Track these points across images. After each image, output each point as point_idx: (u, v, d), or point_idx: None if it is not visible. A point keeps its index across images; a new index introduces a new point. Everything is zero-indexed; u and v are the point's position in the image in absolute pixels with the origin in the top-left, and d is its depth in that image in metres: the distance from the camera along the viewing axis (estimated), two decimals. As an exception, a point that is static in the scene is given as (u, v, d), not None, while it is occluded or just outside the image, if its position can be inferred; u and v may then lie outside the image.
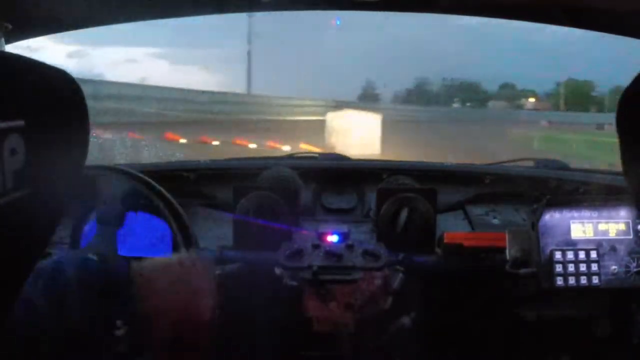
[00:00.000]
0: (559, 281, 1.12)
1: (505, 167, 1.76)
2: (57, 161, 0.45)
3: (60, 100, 0.46)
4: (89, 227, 1.16)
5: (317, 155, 1.86)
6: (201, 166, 1.68)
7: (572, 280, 1.12)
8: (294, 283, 1.14)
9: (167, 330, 0.79)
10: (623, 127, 0.54)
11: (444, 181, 1.58)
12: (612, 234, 1.14)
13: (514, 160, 1.82)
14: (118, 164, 0.97)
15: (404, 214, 1.28)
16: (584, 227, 1.15)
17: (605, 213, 1.15)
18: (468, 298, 1.33)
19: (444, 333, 1.37)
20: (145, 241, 1.16)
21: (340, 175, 1.67)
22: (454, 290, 1.31)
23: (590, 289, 1.12)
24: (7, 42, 0.99)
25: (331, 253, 1.18)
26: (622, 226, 1.15)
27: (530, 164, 1.81)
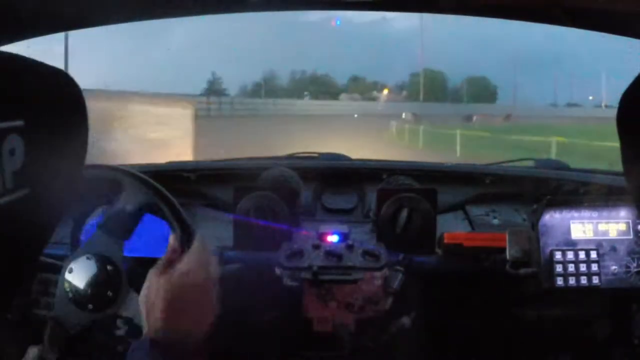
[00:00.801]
0: (559, 281, 1.12)
1: (505, 167, 1.76)
2: (57, 161, 0.45)
3: (59, 100, 0.46)
4: (89, 227, 1.17)
5: (317, 155, 1.85)
6: (201, 166, 1.68)
7: (572, 281, 1.12)
8: (294, 283, 1.14)
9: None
10: (623, 126, 0.54)
11: (444, 181, 1.58)
12: (612, 234, 1.14)
13: (514, 160, 1.83)
14: (118, 164, 0.97)
15: (404, 214, 1.28)
16: (584, 227, 1.15)
17: (605, 213, 1.15)
18: (468, 298, 1.33)
19: (444, 333, 1.37)
20: (145, 241, 1.16)
21: (340, 175, 1.67)
22: (454, 290, 1.31)
23: (590, 289, 1.12)
24: (6, 42, 0.98)
25: (331, 253, 1.18)
26: (622, 226, 1.15)
27: (531, 164, 1.81)
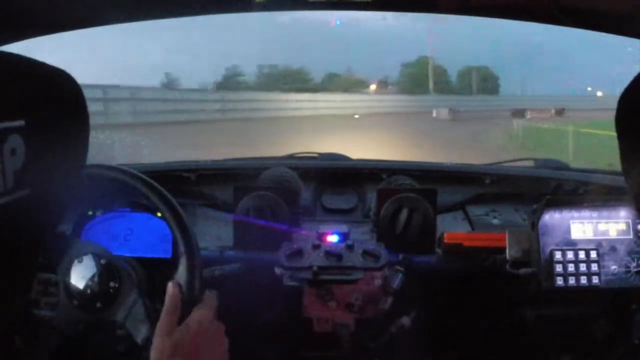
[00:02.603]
0: (559, 281, 1.12)
1: (505, 167, 1.76)
2: (58, 161, 0.45)
3: (60, 100, 0.46)
4: (89, 226, 1.16)
5: (317, 155, 1.85)
6: (201, 166, 1.68)
7: (572, 280, 1.12)
8: (294, 283, 1.14)
9: None
10: (623, 126, 0.54)
11: (444, 181, 1.58)
12: (612, 234, 1.14)
13: (514, 160, 1.83)
14: (118, 164, 0.96)
15: (404, 214, 1.28)
16: (583, 227, 1.15)
17: (605, 213, 1.15)
18: (468, 298, 1.33)
19: (444, 333, 1.37)
20: (145, 241, 1.16)
21: (340, 175, 1.67)
22: (453, 290, 1.31)
23: (590, 289, 1.12)
24: (6, 42, 0.98)
25: (331, 253, 1.18)
26: (622, 226, 1.15)
27: (530, 163, 1.81)
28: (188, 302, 0.78)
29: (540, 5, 1.07)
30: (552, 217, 1.15)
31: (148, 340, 0.76)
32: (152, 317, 0.82)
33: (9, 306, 0.47)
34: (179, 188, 1.47)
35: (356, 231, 1.35)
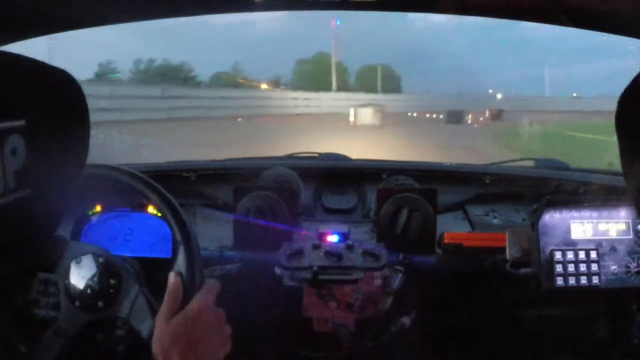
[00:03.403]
0: (559, 281, 1.12)
1: (505, 167, 1.76)
2: (58, 161, 0.45)
3: (61, 100, 0.46)
4: (89, 226, 1.16)
5: (317, 155, 1.85)
6: (201, 166, 1.68)
7: (572, 281, 1.12)
8: (294, 283, 1.15)
9: None
10: (622, 127, 0.54)
11: (444, 181, 1.58)
12: (612, 234, 1.14)
13: (514, 160, 1.83)
14: (119, 164, 0.96)
15: (404, 214, 1.28)
16: (584, 227, 1.15)
17: (605, 213, 1.15)
18: (468, 298, 1.33)
19: (443, 333, 1.37)
20: (145, 241, 1.16)
21: (340, 175, 1.67)
22: (453, 290, 1.31)
23: (590, 289, 1.12)
24: (6, 42, 0.98)
25: (331, 253, 1.18)
26: (622, 226, 1.15)
27: (530, 163, 1.81)
28: (189, 290, 0.78)
29: (540, 5, 1.07)
30: (552, 217, 1.15)
31: (152, 334, 0.76)
32: (155, 310, 0.82)
33: (9, 306, 0.47)
34: (179, 188, 1.47)
35: (356, 231, 1.35)
